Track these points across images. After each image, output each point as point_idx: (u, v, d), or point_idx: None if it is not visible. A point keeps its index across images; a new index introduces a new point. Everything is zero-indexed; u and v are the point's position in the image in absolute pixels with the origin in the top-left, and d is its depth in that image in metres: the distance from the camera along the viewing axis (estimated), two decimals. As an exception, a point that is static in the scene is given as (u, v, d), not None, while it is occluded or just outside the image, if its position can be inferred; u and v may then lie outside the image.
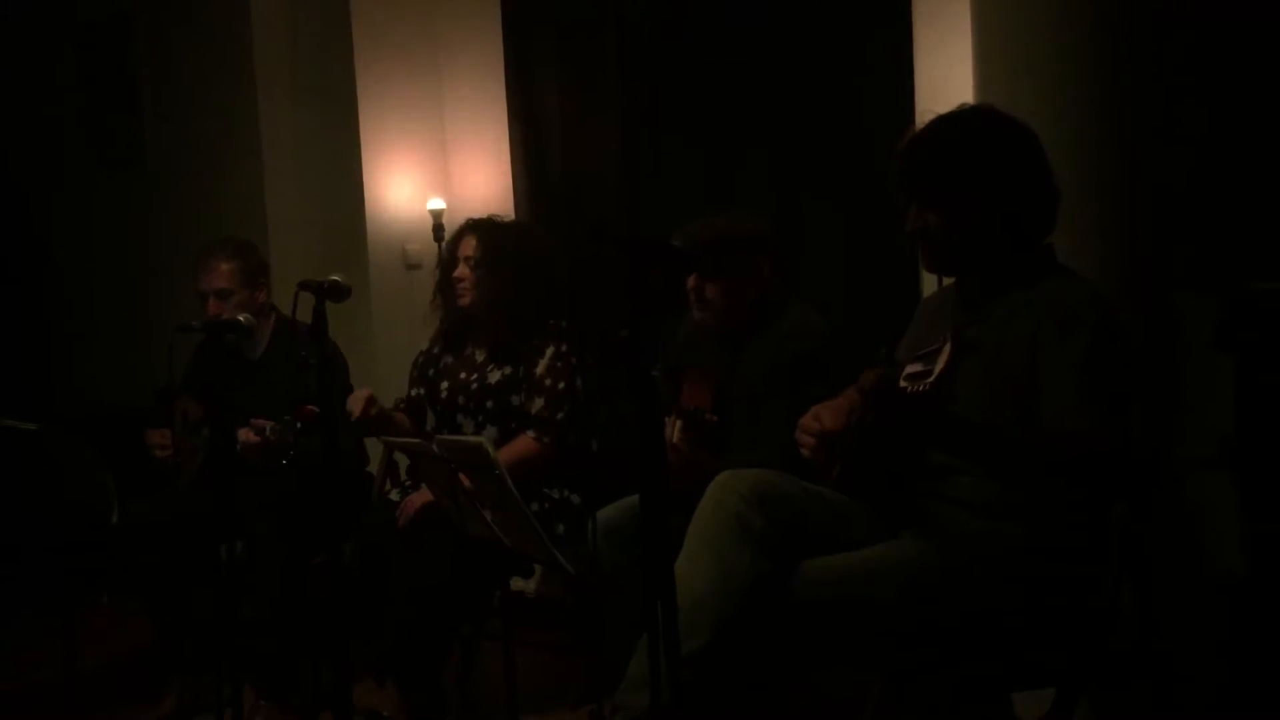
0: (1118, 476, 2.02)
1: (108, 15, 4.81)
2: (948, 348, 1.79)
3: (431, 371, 3.20)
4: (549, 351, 3.03)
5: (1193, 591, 2.61)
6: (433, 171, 4.46)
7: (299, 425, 2.79)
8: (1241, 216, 2.68)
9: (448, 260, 3.18)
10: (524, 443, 3.00)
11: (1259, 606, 2.57)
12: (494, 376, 3.08)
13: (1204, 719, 2.59)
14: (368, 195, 4.30)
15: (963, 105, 2.23)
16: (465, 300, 3.10)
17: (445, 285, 3.16)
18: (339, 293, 2.30)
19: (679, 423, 2.66)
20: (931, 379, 1.78)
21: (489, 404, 3.06)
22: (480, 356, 3.13)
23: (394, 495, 3.12)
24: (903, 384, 1.88)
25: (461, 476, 2.56)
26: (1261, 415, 2.57)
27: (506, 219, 3.23)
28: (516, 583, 3.20)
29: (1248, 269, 2.65)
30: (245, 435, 3.01)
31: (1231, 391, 2.59)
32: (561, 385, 3.01)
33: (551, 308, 3.09)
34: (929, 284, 3.33)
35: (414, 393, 3.22)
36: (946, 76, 3.27)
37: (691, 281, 2.80)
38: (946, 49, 3.29)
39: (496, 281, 3.05)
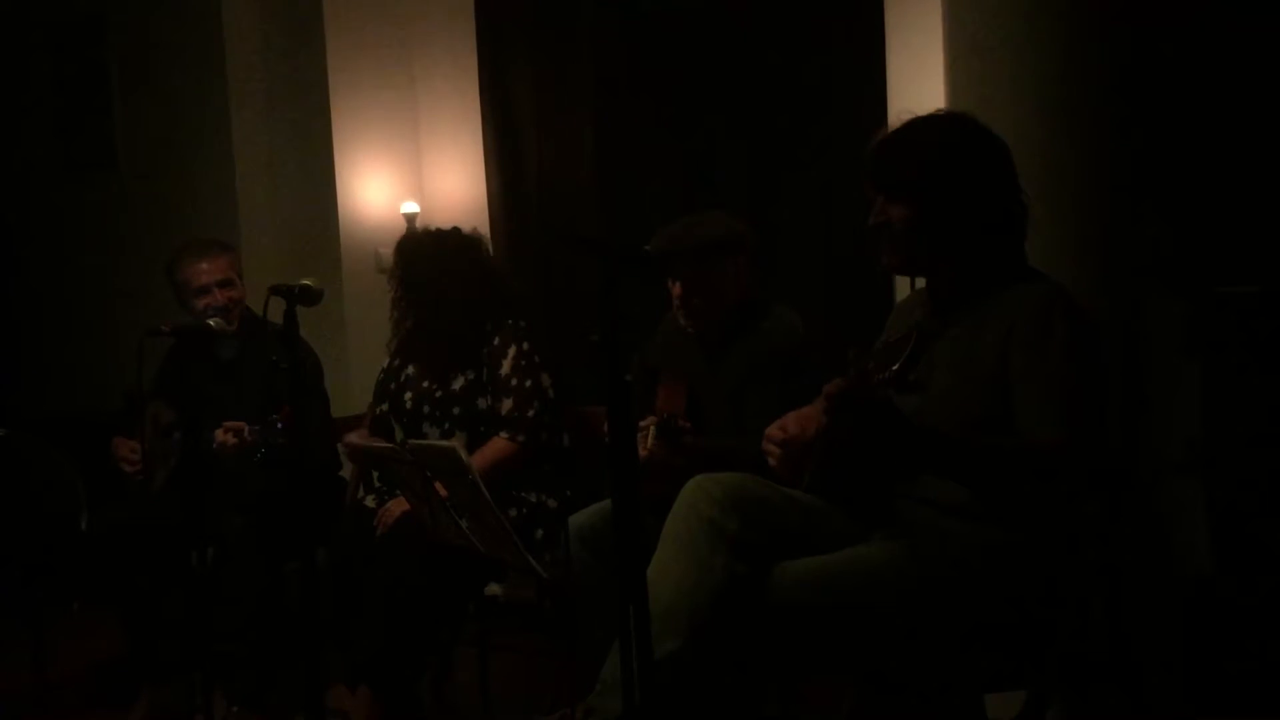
0: (1090, 480, 2.04)
1: (79, 17, 4.78)
2: (911, 340, 1.83)
3: (394, 385, 3.19)
4: (511, 351, 3.03)
5: (1162, 593, 2.64)
6: (406, 174, 4.45)
7: (279, 425, 2.79)
8: (1210, 221, 2.71)
9: (390, 278, 3.19)
10: (498, 444, 2.99)
11: (1227, 607, 2.60)
12: (457, 383, 3.07)
13: (1173, 719, 2.62)
14: (340, 198, 4.30)
15: (940, 110, 2.24)
16: (407, 322, 3.13)
17: (395, 302, 3.17)
18: (310, 297, 2.30)
19: (651, 429, 2.66)
20: (895, 366, 1.81)
21: (455, 410, 3.05)
22: (439, 365, 3.12)
23: (369, 501, 3.11)
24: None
25: (437, 485, 2.55)
26: (1229, 418, 2.60)
27: (427, 231, 3.24)
28: (490, 587, 3.19)
29: (1216, 273, 2.68)
30: (222, 436, 3.01)
31: (1199, 395, 2.62)
32: (529, 383, 3.01)
33: (494, 308, 3.08)
34: (903, 286, 3.35)
35: (380, 409, 3.21)
36: (918, 81, 3.29)
37: (677, 290, 2.80)
38: (918, 53, 3.32)
39: (417, 299, 3.08)
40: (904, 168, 2.09)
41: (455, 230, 3.17)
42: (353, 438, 3.03)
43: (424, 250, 3.12)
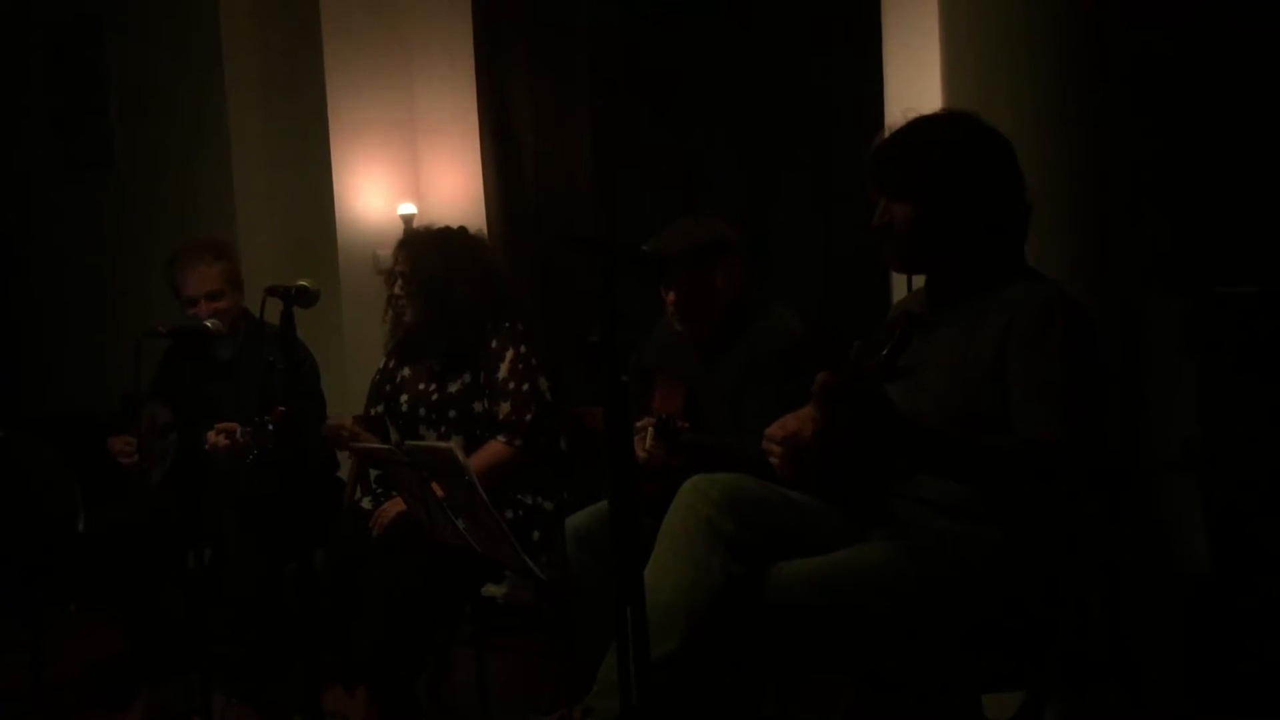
0: (1088, 479, 2.04)
1: (76, 17, 4.78)
2: (899, 326, 1.83)
3: (389, 387, 3.18)
4: (509, 355, 3.02)
5: (1161, 592, 2.64)
6: (404, 176, 4.45)
7: (270, 427, 2.78)
8: (1209, 220, 2.71)
9: (389, 276, 3.17)
10: (495, 448, 2.99)
11: (1225, 606, 2.60)
12: (453, 385, 3.06)
13: (1171, 718, 2.62)
14: (338, 199, 4.29)
15: (943, 109, 2.24)
16: (406, 317, 3.10)
17: (392, 300, 3.15)
18: (307, 298, 2.30)
19: (650, 430, 2.66)
20: (884, 353, 1.82)
21: (451, 414, 3.05)
22: (437, 367, 3.11)
23: (365, 503, 3.10)
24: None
25: (434, 485, 2.55)
26: (1227, 418, 2.59)
27: (434, 228, 3.20)
28: (488, 588, 3.18)
29: (1215, 273, 2.68)
30: (213, 438, 3.00)
31: (1197, 395, 2.62)
32: (526, 387, 3.00)
33: (495, 310, 3.07)
34: (900, 286, 3.34)
35: (374, 411, 3.20)
36: (916, 81, 3.29)
37: (671, 298, 2.80)
38: (916, 53, 3.32)
39: (425, 296, 3.04)
40: (907, 168, 2.09)
41: (462, 229, 3.16)
42: (338, 422, 3.00)
43: (432, 247, 3.10)
